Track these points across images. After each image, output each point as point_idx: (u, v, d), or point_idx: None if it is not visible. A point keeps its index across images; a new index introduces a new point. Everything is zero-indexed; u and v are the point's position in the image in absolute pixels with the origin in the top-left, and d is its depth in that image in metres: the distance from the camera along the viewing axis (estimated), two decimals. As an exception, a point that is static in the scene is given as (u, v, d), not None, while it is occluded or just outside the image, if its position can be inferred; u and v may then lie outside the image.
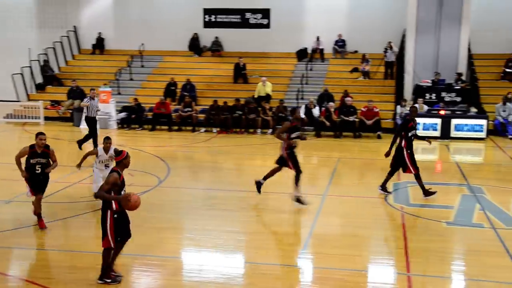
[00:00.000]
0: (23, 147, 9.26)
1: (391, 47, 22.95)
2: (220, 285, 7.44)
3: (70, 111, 23.03)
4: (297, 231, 9.93)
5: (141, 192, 11.76)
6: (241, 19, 26.36)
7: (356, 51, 25.17)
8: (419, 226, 10.01)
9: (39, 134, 9.21)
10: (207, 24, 26.66)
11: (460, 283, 7.83)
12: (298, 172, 10.86)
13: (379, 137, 19.65)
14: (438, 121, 19.59)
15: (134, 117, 21.71)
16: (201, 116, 21.48)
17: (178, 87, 23.36)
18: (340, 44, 25.38)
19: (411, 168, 11.48)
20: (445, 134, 19.42)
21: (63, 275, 7.69)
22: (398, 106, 20.68)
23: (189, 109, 21.34)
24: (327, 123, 20.05)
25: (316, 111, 20.56)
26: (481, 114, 20.05)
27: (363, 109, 20.18)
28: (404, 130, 11.64)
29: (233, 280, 7.68)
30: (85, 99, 16.99)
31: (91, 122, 16.62)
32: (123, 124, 21.81)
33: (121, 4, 27.42)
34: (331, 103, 20.60)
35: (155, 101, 21.75)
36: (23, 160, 9.36)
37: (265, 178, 11.31)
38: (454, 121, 19.52)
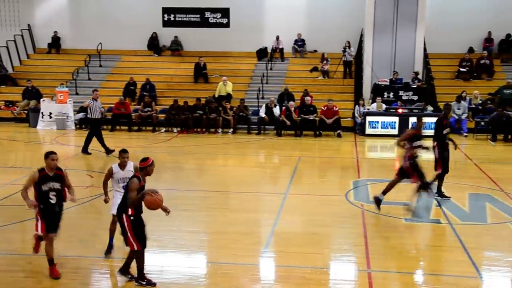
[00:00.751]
0: (32, 173, 7.44)
1: (349, 47, 23.25)
2: (182, 286, 7.40)
3: (26, 111, 22.49)
4: (259, 230, 9.94)
5: (100, 193, 11.56)
6: (201, 19, 26.24)
7: (315, 51, 25.39)
8: (379, 223, 10.17)
9: (50, 153, 7.45)
10: (166, 23, 26.44)
11: (419, 278, 7.99)
12: (423, 182, 10.42)
13: (339, 135, 19.87)
14: (396, 119, 19.95)
15: (92, 118, 21.34)
16: (162, 116, 21.29)
17: (138, 87, 23.09)
18: (299, 43, 25.55)
19: (438, 167, 11.38)
20: (403, 132, 19.73)
21: (19, 280, 7.49)
22: (357, 106, 20.97)
23: (149, 109, 21.12)
24: (288, 122, 20.17)
25: (276, 110, 20.66)
26: (437, 112, 20.52)
27: (323, 108, 20.38)
28: (439, 129, 11.56)
29: (195, 280, 7.64)
30: (88, 100, 16.47)
31: (94, 124, 16.21)
32: (81, 124, 21.42)
33: (76, 2, 26.90)
34: (291, 102, 20.72)
35: (114, 101, 21.44)
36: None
37: (384, 192, 10.83)
38: (412, 119, 19.87)
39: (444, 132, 11.63)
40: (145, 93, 22.35)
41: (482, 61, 23.20)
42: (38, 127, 21.49)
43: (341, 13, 24.75)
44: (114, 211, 7.85)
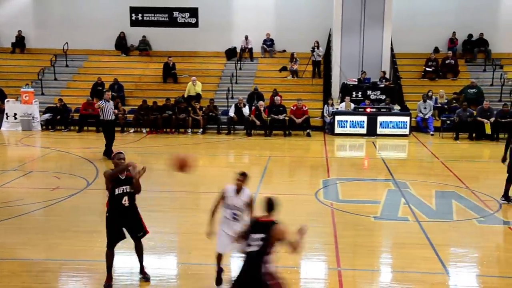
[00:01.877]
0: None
1: (318, 47, 23.42)
2: (152, 287, 7.34)
3: (-10, 112, 22.00)
4: (229, 230, 9.91)
5: (68, 195, 11.42)
6: (169, 18, 26.08)
7: (284, 50, 25.51)
8: (348, 221, 10.26)
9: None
10: (134, 23, 26.21)
11: (388, 275, 8.10)
12: None
13: (308, 135, 20.00)
14: (364, 118, 20.17)
15: (59, 118, 21.03)
16: (130, 117, 21.09)
17: (106, 87, 22.82)
18: (268, 43, 25.63)
19: None
20: (371, 131, 20.03)
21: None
22: (326, 105, 21.13)
23: (117, 109, 20.88)
24: (257, 122, 20.20)
25: (246, 110, 20.67)
26: (404, 111, 20.85)
27: (292, 107, 20.48)
28: None
29: (165, 281, 7.60)
30: (100, 102, 15.78)
31: (107, 125, 15.69)
32: (48, 125, 21.07)
33: (41, 1, 26.44)
34: (261, 102, 20.76)
35: (82, 101, 21.14)
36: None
37: (506, 195, 11.08)
38: (380, 119, 20.17)
39: None
40: (113, 93, 22.09)
41: (447, 61, 23.65)
42: (2, 128, 21.06)
43: (309, 13, 24.92)
44: (221, 249, 7.10)
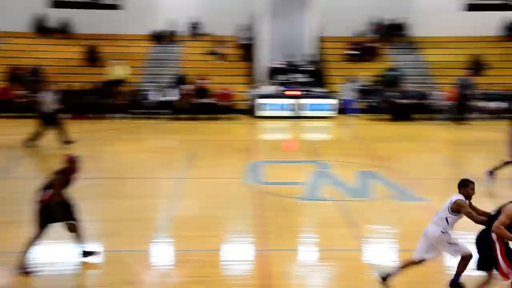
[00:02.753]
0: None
1: (245, 29, 23.41)
2: (74, 276, 7.19)
3: None
4: (155, 216, 9.85)
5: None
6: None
7: (211, 34, 25.31)
8: (273, 203, 10.42)
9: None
10: (55, 4, 25.19)
11: (312, 254, 8.31)
12: None
13: (234, 119, 20.05)
14: (291, 101, 20.44)
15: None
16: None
17: (24, 71, 21.87)
18: (194, 26, 25.35)
19: None
20: (296, 113, 20.34)
21: None
22: (252, 89, 21.24)
23: (37, 94, 20.08)
24: (184, 106, 20.03)
25: (172, 94, 20.43)
26: (330, 93, 21.30)
27: (218, 91, 20.44)
28: None
29: (88, 269, 7.45)
30: (41, 93, 14.99)
31: (46, 117, 14.80)
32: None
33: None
34: (187, 86, 20.58)
35: (-3, 86, 20.20)
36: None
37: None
38: (304, 101, 20.51)
39: None
40: (32, 77, 21.22)
41: (370, 44, 24.28)
42: None
43: (236, -5, 24.77)
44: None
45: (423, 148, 15.99)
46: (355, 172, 12.56)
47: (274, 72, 22.03)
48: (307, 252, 8.38)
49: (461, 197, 6.49)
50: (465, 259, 6.53)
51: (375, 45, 24.33)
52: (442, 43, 23.78)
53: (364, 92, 21.69)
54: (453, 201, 6.47)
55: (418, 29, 24.69)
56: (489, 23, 24.07)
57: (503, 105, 20.27)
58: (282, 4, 22.86)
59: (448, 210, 6.49)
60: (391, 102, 20.26)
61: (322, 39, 24.18)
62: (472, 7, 24.26)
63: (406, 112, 20.11)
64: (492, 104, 20.34)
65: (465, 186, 6.53)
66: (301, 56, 22.64)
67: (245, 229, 9.08)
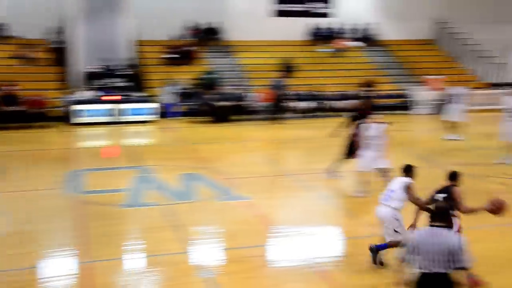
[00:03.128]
0: None
1: (55, 33, 22.18)
2: None
3: None
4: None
5: None
6: None
7: (17, 37, 23.51)
8: (96, 212, 10.02)
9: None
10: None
11: (138, 261, 8.12)
12: None
13: (49, 127, 18.89)
14: (109, 106, 19.84)
15: None
16: None
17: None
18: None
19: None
20: (115, 119, 19.81)
21: None
22: (66, 94, 20.20)
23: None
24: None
25: (-25, 102, 18.60)
26: (150, 97, 21.09)
27: (29, 98, 19.09)
28: None
29: None
30: None
31: None
32: None
33: None
34: (-8, 93, 18.89)
35: None
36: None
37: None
38: (126, 106, 20.06)
39: None
40: None
41: (188, 48, 24.53)
42: None
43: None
44: None
45: (243, 148, 16.60)
46: (178, 175, 12.58)
47: (90, 77, 21.19)
48: (133, 260, 8.18)
49: (411, 180, 7.15)
50: (397, 243, 6.84)
51: (193, 48, 24.64)
52: (255, 46, 24.87)
53: (184, 95, 21.86)
54: (406, 183, 7.11)
55: (232, 33, 25.53)
56: (296, 28, 25.78)
57: (312, 104, 21.91)
58: (95, 7, 22.06)
59: (403, 191, 7.05)
60: (210, 104, 20.69)
61: (140, 43, 23.85)
62: (280, 13, 25.73)
63: (225, 114, 20.70)
64: (303, 104, 21.84)
65: (411, 171, 7.29)
66: (118, 60, 22.09)
67: (66, 242, 8.59)
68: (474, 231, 8.87)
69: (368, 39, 25.80)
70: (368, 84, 20.72)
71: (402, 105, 22.71)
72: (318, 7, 25.65)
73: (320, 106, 21.92)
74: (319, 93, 22.15)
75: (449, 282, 4.93)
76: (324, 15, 25.59)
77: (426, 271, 4.90)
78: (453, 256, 4.84)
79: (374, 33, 25.74)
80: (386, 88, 23.19)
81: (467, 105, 17.12)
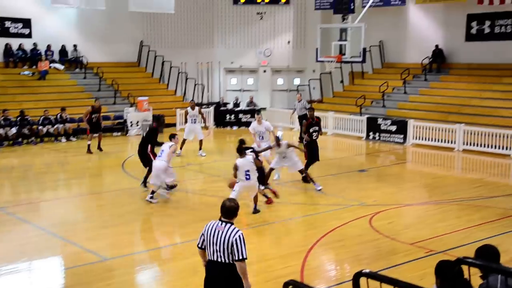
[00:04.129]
0: None
1: None
2: None
3: None
4: None
5: None
6: None
7: None
8: None
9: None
10: None
11: None
12: None
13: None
14: None
15: None
16: None
17: None
18: None
19: None
20: None
21: None
22: None
23: None
24: None
25: None
26: None
27: None
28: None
29: None
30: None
31: None
32: None
33: None
34: None
35: None
36: None
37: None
38: None
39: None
40: None
41: None
42: None
43: None
44: None
45: None
46: None
47: None
48: None
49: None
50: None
51: None
52: None
53: None
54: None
55: None
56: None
57: (20, 130, 20.11)
58: None
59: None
60: None
61: None
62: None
63: None
64: (10, 130, 19.98)
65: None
66: None
67: None
68: (190, 245, 9.55)
69: (73, 62, 25.30)
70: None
71: (117, 127, 22.87)
72: (18, 27, 24.21)
73: (27, 132, 20.52)
74: (26, 117, 20.71)
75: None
76: (24, 35, 24.25)
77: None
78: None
79: (79, 55, 25.34)
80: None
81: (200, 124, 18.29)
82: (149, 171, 12.81)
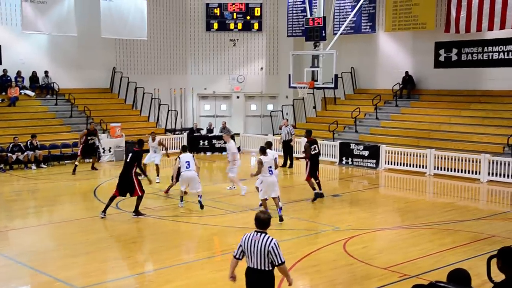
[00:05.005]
0: None
1: None
2: None
3: None
4: None
5: None
6: None
7: None
8: None
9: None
10: None
11: None
12: None
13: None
14: None
15: None
16: None
17: None
18: None
19: None
20: None
21: None
22: None
23: None
24: None
25: None
26: None
27: None
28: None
29: None
30: None
31: None
32: None
33: None
34: None
35: None
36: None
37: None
38: None
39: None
40: None
41: None
42: None
43: None
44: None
45: None
46: None
47: None
48: None
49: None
50: None
51: None
52: None
53: None
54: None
55: None
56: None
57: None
58: None
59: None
60: None
61: None
62: None
63: None
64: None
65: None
66: None
67: None
68: (163, 272, 9.45)
69: (44, 88, 25.03)
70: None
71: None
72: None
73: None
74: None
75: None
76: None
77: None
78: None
79: (50, 81, 25.10)
80: (68, 137, 22.88)
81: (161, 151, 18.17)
82: (139, 199, 12.89)
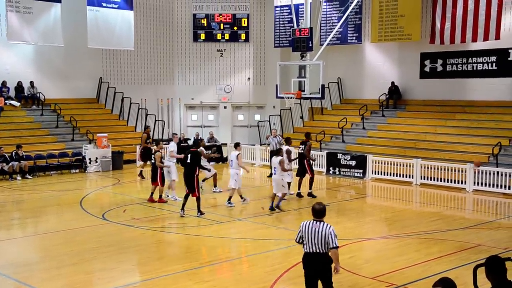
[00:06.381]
0: None
1: None
2: None
3: None
4: None
5: None
6: None
7: None
8: None
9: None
10: None
11: None
12: None
13: None
14: None
15: None
16: None
17: None
18: None
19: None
20: None
21: None
22: None
23: None
24: None
25: None
26: None
27: None
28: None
29: None
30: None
31: None
32: None
33: None
34: None
35: None
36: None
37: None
38: None
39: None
40: None
41: None
42: None
43: None
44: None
45: None
46: None
47: None
48: None
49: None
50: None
51: None
52: None
53: None
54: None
55: None
56: None
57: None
58: None
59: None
60: None
61: None
62: None
63: None
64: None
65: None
66: None
67: None
68: (149, 283, 9.37)
69: (30, 98, 24.84)
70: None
71: (76, 164, 22.44)
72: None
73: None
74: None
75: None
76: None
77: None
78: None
79: (36, 92, 24.93)
80: (54, 147, 22.72)
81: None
82: (198, 200, 13.98)
